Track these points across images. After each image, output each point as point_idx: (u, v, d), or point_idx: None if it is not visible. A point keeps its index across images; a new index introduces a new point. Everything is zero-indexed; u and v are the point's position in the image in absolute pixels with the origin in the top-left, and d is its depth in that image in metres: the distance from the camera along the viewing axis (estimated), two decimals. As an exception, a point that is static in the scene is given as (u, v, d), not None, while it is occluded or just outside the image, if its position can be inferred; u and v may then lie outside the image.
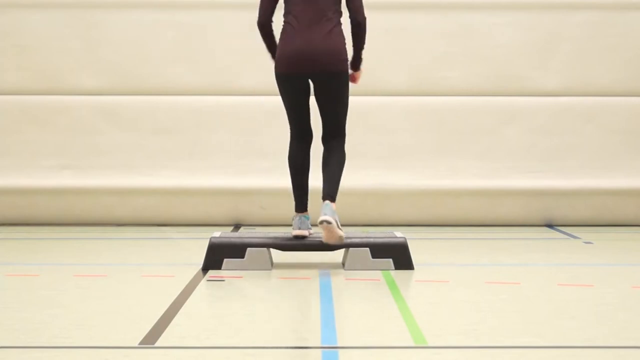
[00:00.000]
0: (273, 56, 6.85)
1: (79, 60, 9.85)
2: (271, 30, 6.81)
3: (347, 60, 6.72)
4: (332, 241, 6.61)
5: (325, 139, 6.86)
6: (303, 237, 6.84)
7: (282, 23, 6.73)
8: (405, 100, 9.94)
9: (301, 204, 6.90)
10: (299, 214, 6.88)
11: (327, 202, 6.62)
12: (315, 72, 6.67)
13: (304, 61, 6.63)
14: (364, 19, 6.75)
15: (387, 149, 9.88)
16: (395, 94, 9.91)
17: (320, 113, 6.81)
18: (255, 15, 6.82)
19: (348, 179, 9.49)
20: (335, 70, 6.66)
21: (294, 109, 6.82)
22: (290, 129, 6.91)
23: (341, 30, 6.70)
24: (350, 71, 6.85)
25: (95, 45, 9.87)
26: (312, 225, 6.95)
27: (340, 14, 6.72)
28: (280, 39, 6.72)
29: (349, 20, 6.76)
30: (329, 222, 6.49)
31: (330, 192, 6.67)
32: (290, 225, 6.97)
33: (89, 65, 9.86)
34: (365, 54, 9.44)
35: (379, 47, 9.77)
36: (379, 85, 9.86)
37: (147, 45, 9.90)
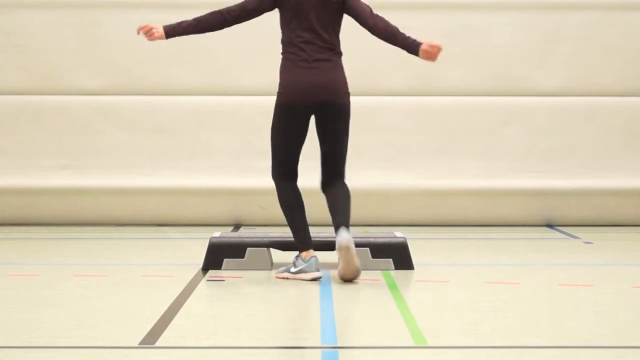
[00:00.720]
0: (185, 24, 6.47)
1: (79, 60, 9.86)
2: (219, 24, 6.47)
3: (349, 95, 6.47)
4: (348, 274, 6.24)
5: (325, 185, 6.52)
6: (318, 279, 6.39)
7: (283, 54, 6.47)
8: (405, 100, 9.94)
9: (307, 241, 6.42)
10: (310, 254, 6.40)
11: (344, 227, 6.26)
12: (322, 103, 6.36)
13: (313, 92, 6.34)
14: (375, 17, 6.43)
15: (387, 149, 9.88)
16: (395, 93, 9.91)
17: (323, 152, 6.50)
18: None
19: (348, 179, 9.51)
20: (341, 102, 6.40)
21: (292, 144, 6.45)
22: (276, 169, 6.52)
23: (342, 65, 6.48)
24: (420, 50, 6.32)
25: (95, 45, 9.87)
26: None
27: (340, 51, 6.48)
28: (285, 69, 6.43)
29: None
30: (347, 246, 6.16)
31: (345, 221, 6.31)
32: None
33: (89, 65, 9.86)
34: (365, 53, 9.45)
35: (379, 47, 9.74)
36: (379, 85, 9.86)
37: (147, 45, 9.84)
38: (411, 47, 6.35)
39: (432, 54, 6.31)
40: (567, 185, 9.86)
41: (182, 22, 6.56)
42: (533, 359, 4.36)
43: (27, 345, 4.58)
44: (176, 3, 9.90)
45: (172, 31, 6.54)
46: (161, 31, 6.52)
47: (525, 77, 9.93)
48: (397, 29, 6.41)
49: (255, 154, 9.85)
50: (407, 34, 6.39)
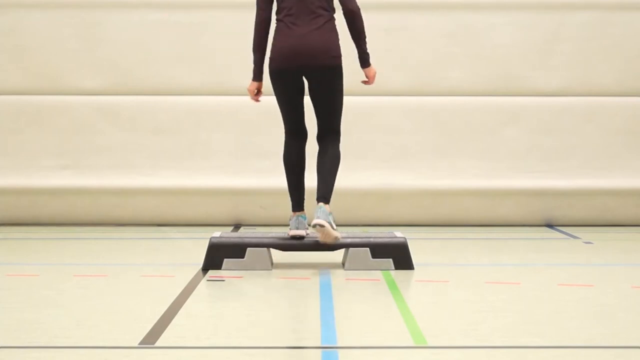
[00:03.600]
0: (261, 55, 6.82)
1: (79, 60, 9.85)
2: (269, 28, 6.81)
3: (340, 56, 6.75)
4: (328, 241, 6.65)
5: (320, 138, 6.88)
6: (301, 238, 6.83)
7: (276, 22, 6.78)
8: (405, 100, 9.94)
9: (298, 203, 6.89)
10: (296, 214, 6.88)
11: (321, 204, 6.65)
12: (309, 66, 6.68)
13: (299, 56, 6.67)
14: (358, 8, 6.75)
15: (387, 149, 9.87)
16: (395, 94, 9.91)
17: (315, 111, 6.85)
18: (254, 15, 6.78)
19: (348, 179, 9.52)
20: (329, 65, 6.70)
21: (289, 108, 6.86)
22: (285, 127, 6.94)
23: (334, 26, 6.75)
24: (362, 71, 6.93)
25: (95, 45, 9.87)
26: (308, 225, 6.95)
27: (333, 10, 6.76)
28: (275, 36, 6.77)
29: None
30: (321, 226, 6.55)
31: (324, 193, 6.70)
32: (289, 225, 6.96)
33: (89, 65, 9.86)
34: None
35: (379, 47, 9.75)
36: (379, 85, 9.80)
37: (147, 45, 9.90)
38: (362, 57, 6.86)
39: (368, 77, 6.96)
40: (567, 185, 9.86)
41: (257, 62, 6.86)
42: (533, 359, 4.36)
43: (27, 345, 4.58)
44: (176, 3, 9.90)
45: (260, 74, 6.91)
46: (256, 86, 6.95)
47: (525, 77, 9.93)
48: (361, 30, 6.76)
49: (256, 154, 9.85)
50: (365, 48, 6.83)
